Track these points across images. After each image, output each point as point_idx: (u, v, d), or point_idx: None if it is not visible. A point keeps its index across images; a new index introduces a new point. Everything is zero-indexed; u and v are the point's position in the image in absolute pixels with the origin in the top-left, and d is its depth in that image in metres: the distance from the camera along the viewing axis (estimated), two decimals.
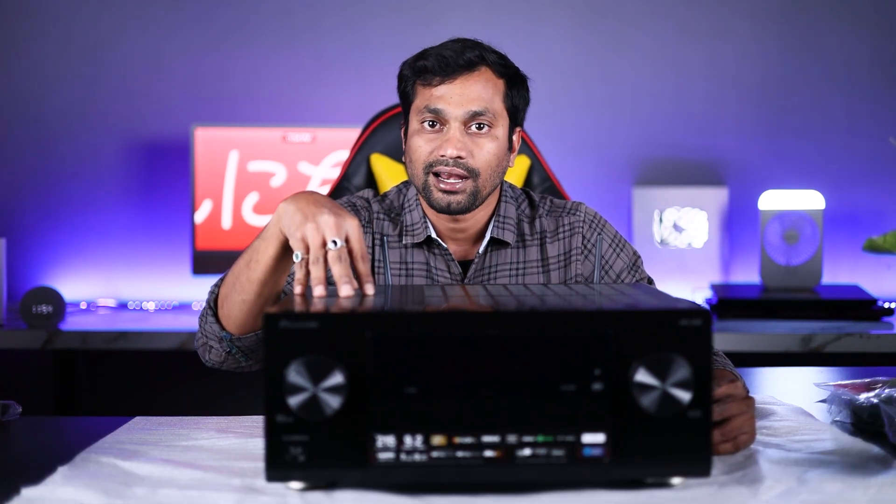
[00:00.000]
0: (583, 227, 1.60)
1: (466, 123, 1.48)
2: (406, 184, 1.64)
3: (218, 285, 1.43)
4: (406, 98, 1.55)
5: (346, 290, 1.14)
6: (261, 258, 1.30)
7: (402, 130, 1.58)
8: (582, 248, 1.60)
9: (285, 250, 1.28)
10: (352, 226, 1.19)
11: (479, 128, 1.49)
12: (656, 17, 3.13)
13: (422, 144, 1.50)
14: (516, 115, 1.55)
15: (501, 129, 1.51)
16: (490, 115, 1.49)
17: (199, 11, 3.13)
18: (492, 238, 1.57)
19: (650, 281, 1.63)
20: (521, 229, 1.60)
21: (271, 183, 2.99)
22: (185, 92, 3.13)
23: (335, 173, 2.97)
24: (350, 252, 1.19)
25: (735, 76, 3.13)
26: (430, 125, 1.49)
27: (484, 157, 1.49)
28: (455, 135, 1.48)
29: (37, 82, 3.13)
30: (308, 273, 1.18)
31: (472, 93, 1.48)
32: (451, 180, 1.48)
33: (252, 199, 2.99)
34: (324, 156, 2.99)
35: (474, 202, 1.50)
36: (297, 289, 1.18)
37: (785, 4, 3.12)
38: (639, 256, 1.64)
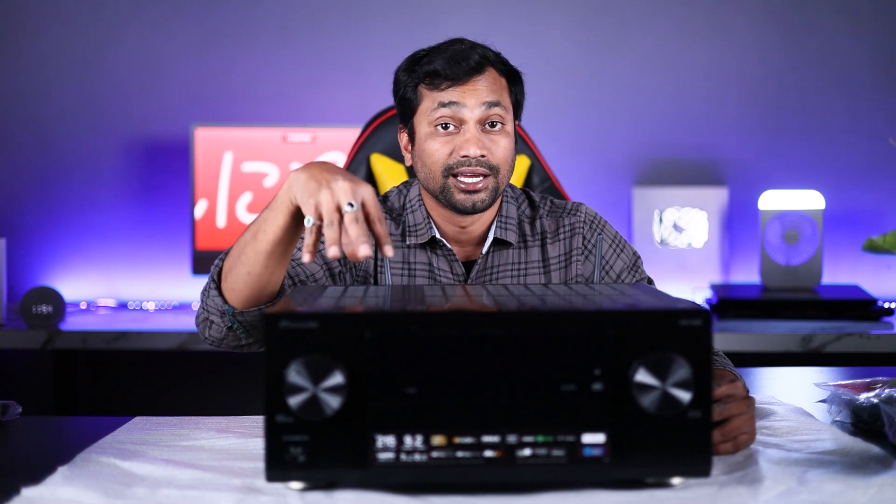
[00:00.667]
0: (583, 228, 1.61)
1: (482, 122, 1.49)
2: (406, 184, 1.64)
3: (222, 258, 1.41)
4: (408, 104, 1.53)
5: (364, 249, 1.11)
6: (269, 228, 1.28)
7: (404, 135, 1.57)
8: (582, 249, 1.60)
9: (295, 221, 1.26)
10: (367, 191, 1.16)
11: (493, 125, 1.49)
12: (656, 17, 3.13)
13: (438, 147, 1.49)
14: (518, 111, 1.57)
15: (511, 125, 1.53)
16: (503, 107, 1.50)
17: (199, 11, 3.13)
18: (494, 238, 1.57)
19: (650, 281, 1.63)
20: (522, 230, 1.60)
21: (264, 183, 2.99)
22: (185, 92, 3.13)
23: None
24: (367, 215, 1.16)
25: (735, 76, 3.13)
26: (443, 127, 1.49)
27: (502, 154, 1.50)
28: (475, 134, 1.48)
29: (37, 82, 3.13)
30: (317, 240, 1.16)
31: (485, 91, 1.49)
32: (474, 179, 1.48)
33: (246, 198, 2.99)
34: (320, 156, 2.99)
35: (494, 199, 1.51)
36: (306, 257, 1.14)
37: (785, 4, 3.12)
38: (639, 257, 1.64)
